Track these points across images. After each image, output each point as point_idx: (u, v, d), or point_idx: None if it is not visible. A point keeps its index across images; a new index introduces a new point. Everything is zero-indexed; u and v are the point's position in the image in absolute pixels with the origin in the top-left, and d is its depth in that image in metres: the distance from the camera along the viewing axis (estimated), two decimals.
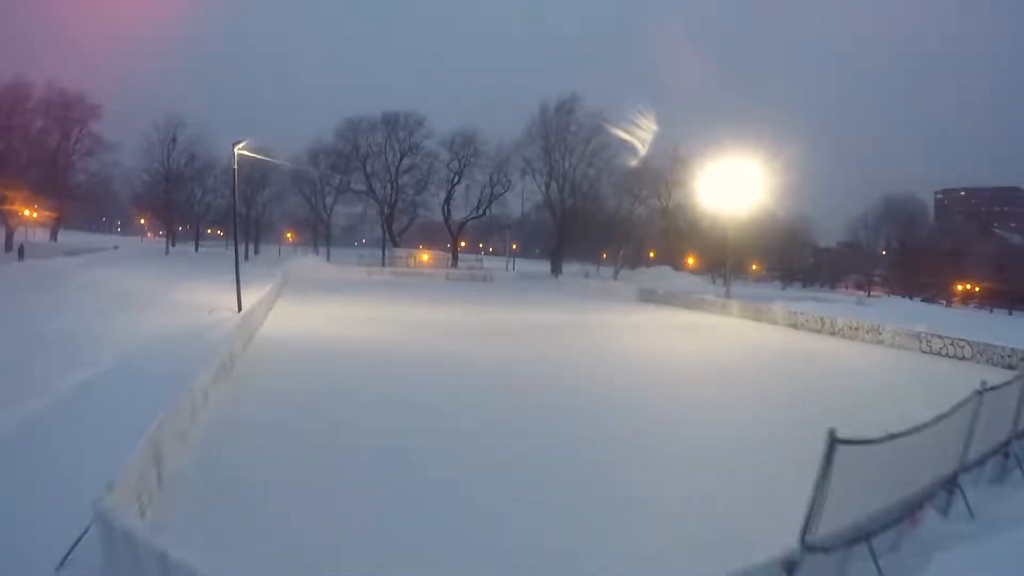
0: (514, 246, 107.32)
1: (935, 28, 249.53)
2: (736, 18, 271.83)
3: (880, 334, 36.31)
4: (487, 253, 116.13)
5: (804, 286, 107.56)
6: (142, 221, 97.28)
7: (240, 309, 30.35)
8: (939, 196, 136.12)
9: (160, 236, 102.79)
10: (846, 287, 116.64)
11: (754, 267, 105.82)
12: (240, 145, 31.01)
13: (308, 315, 33.95)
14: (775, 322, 42.52)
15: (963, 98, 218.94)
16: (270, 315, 33.06)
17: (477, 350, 25.55)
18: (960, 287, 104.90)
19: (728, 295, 50.70)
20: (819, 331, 39.34)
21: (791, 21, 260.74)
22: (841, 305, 55.52)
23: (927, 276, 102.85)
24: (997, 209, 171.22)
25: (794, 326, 41.07)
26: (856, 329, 37.61)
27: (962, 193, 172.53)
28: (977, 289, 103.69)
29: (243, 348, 22.44)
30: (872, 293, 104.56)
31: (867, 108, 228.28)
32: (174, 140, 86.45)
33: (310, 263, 65.88)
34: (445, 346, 26.32)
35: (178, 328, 25.97)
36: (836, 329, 38.65)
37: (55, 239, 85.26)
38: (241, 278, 46.31)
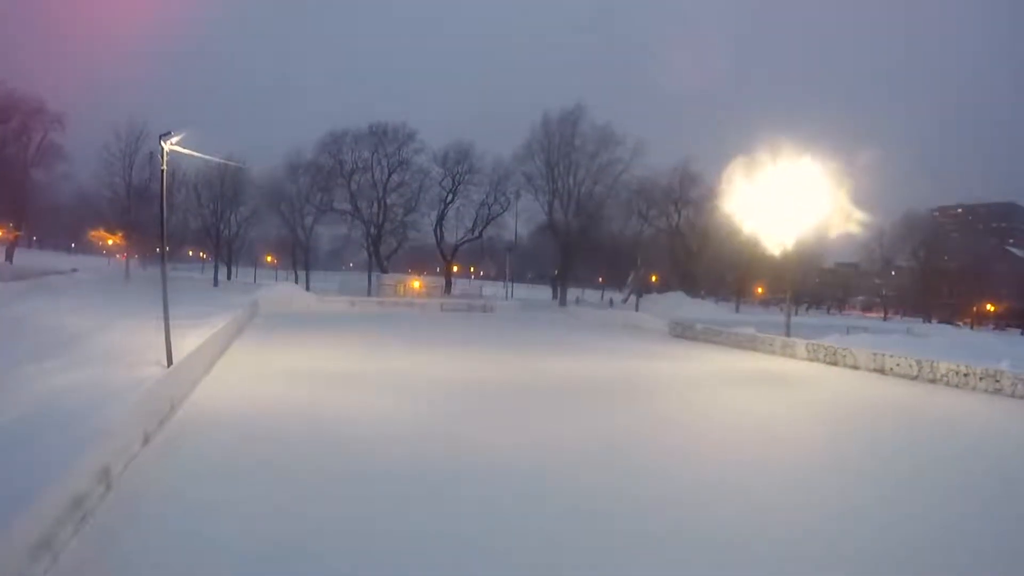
0: (510, 271, 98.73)
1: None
2: (719, 37, 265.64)
3: (998, 381, 28.41)
4: (478, 278, 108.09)
5: (808, 309, 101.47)
6: (109, 241, 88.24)
7: (170, 363, 22.14)
8: (935, 213, 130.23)
9: (129, 257, 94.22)
10: (852, 309, 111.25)
11: (759, 290, 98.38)
12: (172, 140, 22.67)
13: (267, 368, 25.38)
14: (855, 366, 34.49)
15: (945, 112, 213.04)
16: (217, 367, 24.88)
17: (506, 437, 16.77)
18: (979, 308, 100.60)
19: (788, 331, 42.35)
20: (915, 377, 31.39)
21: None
22: (896, 336, 47.62)
23: (949, 296, 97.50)
24: (995, 225, 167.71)
25: (880, 371, 33.07)
26: (965, 375, 29.64)
27: (959, 210, 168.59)
28: (991, 309, 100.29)
29: (144, 442, 14.06)
30: (883, 316, 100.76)
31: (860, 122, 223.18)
32: (136, 151, 77.63)
33: (285, 292, 57.14)
34: (460, 430, 17.29)
35: (71, 396, 17.46)
36: (938, 375, 30.63)
37: (10, 260, 76.53)
38: (202, 310, 39.68)
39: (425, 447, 15.42)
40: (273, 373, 24.27)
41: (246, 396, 20.16)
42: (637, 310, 70.18)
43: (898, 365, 32.50)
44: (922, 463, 16.17)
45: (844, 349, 36.04)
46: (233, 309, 40.93)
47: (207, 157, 27.42)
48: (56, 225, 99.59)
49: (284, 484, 12.34)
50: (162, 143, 22.47)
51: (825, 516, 11.96)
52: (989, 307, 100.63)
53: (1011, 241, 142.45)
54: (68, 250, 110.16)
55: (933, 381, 30.56)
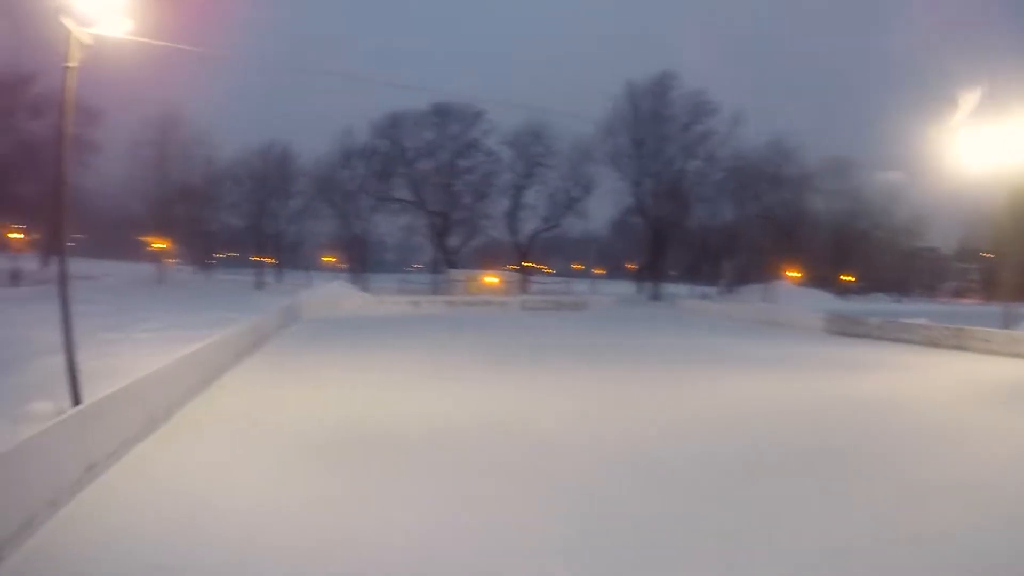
0: (579, 265, 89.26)
1: None
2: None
3: None
4: (549, 274, 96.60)
5: (898, 298, 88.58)
6: (154, 246, 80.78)
7: (77, 403, 12.74)
8: None
9: (175, 262, 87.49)
10: (946, 296, 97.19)
11: (846, 278, 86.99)
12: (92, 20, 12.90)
13: (266, 420, 14.58)
14: None
15: None
16: (177, 416, 14.70)
17: None
18: None
19: (1008, 324, 30.84)
20: None
21: None
22: None
23: None
24: None
25: None
26: None
27: None
28: None
29: None
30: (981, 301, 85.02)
31: None
32: (168, 145, 69.76)
33: (332, 292, 46.73)
34: None
35: None
36: None
37: (45, 265, 68.93)
38: (220, 316, 34.24)
39: None
40: (275, 431, 13.69)
41: (192, 511, 9.66)
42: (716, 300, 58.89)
43: None
44: None
45: None
46: (262, 314, 31.51)
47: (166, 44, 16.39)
48: (96, 228, 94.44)
49: None
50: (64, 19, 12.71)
51: None
52: None
53: None
54: (115, 255, 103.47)
55: None
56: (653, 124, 72.08)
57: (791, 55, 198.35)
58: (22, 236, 65.13)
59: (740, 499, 9.79)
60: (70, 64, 13.29)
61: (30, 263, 67.02)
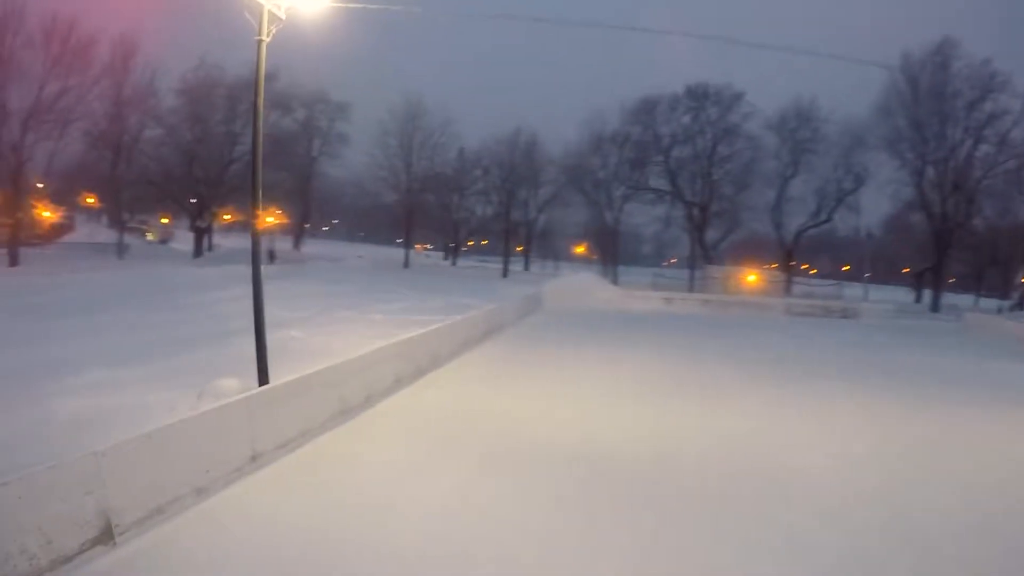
0: (846, 267, 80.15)
1: None
2: None
3: None
4: (813, 275, 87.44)
5: None
6: (403, 232, 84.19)
7: (264, 383, 12.51)
8: None
9: (425, 248, 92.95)
10: None
11: None
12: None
13: (483, 419, 13.38)
14: None
15: None
16: (372, 411, 13.43)
17: None
18: None
19: None
20: None
21: None
22: None
23: None
24: None
25: None
26: None
27: None
28: None
29: None
30: None
31: None
32: (414, 132, 72.58)
33: (579, 283, 44.52)
34: None
35: None
36: None
37: (297, 248, 77.39)
38: (457, 301, 34.82)
39: None
40: (475, 439, 11.73)
41: (346, 520, 8.29)
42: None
43: None
44: None
45: None
46: (503, 301, 30.84)
47: None
48: (350, 215, 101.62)
49: None
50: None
51: None
52: None
53: None
54: (368, 241, 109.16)
55: None
56: (934, 102, 61.05)
57: None
58: (275, 220, 70.74)
59: None
60: (262, 38, 12.85)
61: (284, 244, 73.32)
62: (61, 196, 67.58)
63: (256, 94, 13.17)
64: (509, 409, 14.00)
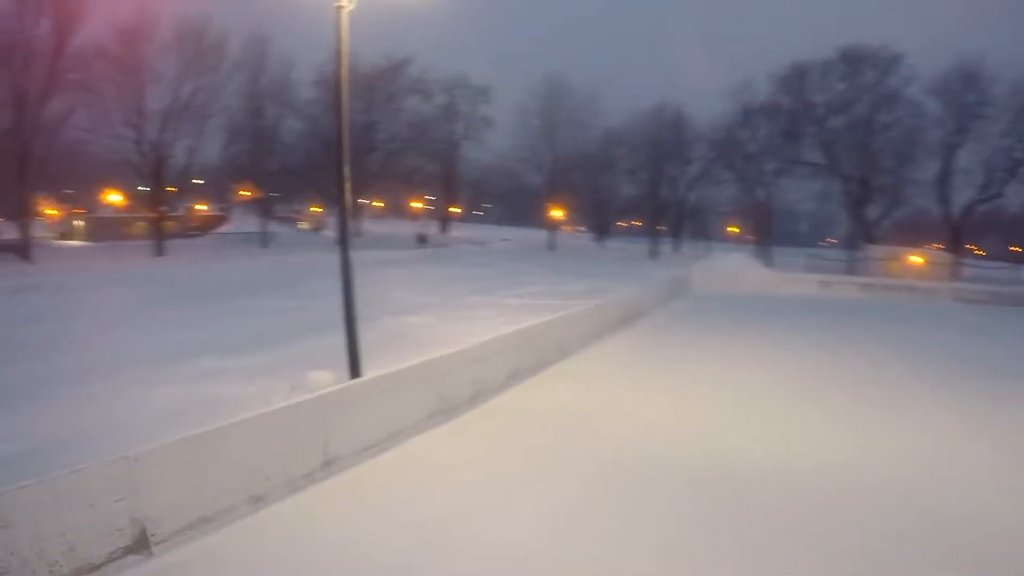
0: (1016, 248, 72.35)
1: None
2: None
3: None
4: (981, 257, 78.98)
5: None
6: (551, 213, 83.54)
7: (356, 375, 12.17)
8: None
9: (574, 229, 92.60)
10: None
11: None
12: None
13: (604, 422, 12.11)
14: None
15: None
16: (494, 403, 12.73)
17: None
18: None
19: None
20: None
21: None
22: None
23: None
24: None
25: None
26: None
27: None
28: None
29: None
30: None
31: None
32: (555, 111, 71.81)
33: (729, 265, 41.94)
34: None
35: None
36: None
37: (445, 232, 79.13)
38: (596, 284, 34.57)
39: None
40: (593, 446, 10.72)
41: (419, 537, 7.52)
42: None
43: None
44: None
45: None
46: (640, 287, 28.84)
47: None
48: (500, 198, 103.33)
49: None
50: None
51: None
52: None
53: None
54: (517, 223, 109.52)
55: None
56: None
57: None
58: (422, 205, 72.20)
59: None
60: (341, 4, 12.24)
61: (432, 228, 75.96)
62: (216, 191, 71.48)
63: (338, 64, 12.51)
64: (634, 411, 12.59)
